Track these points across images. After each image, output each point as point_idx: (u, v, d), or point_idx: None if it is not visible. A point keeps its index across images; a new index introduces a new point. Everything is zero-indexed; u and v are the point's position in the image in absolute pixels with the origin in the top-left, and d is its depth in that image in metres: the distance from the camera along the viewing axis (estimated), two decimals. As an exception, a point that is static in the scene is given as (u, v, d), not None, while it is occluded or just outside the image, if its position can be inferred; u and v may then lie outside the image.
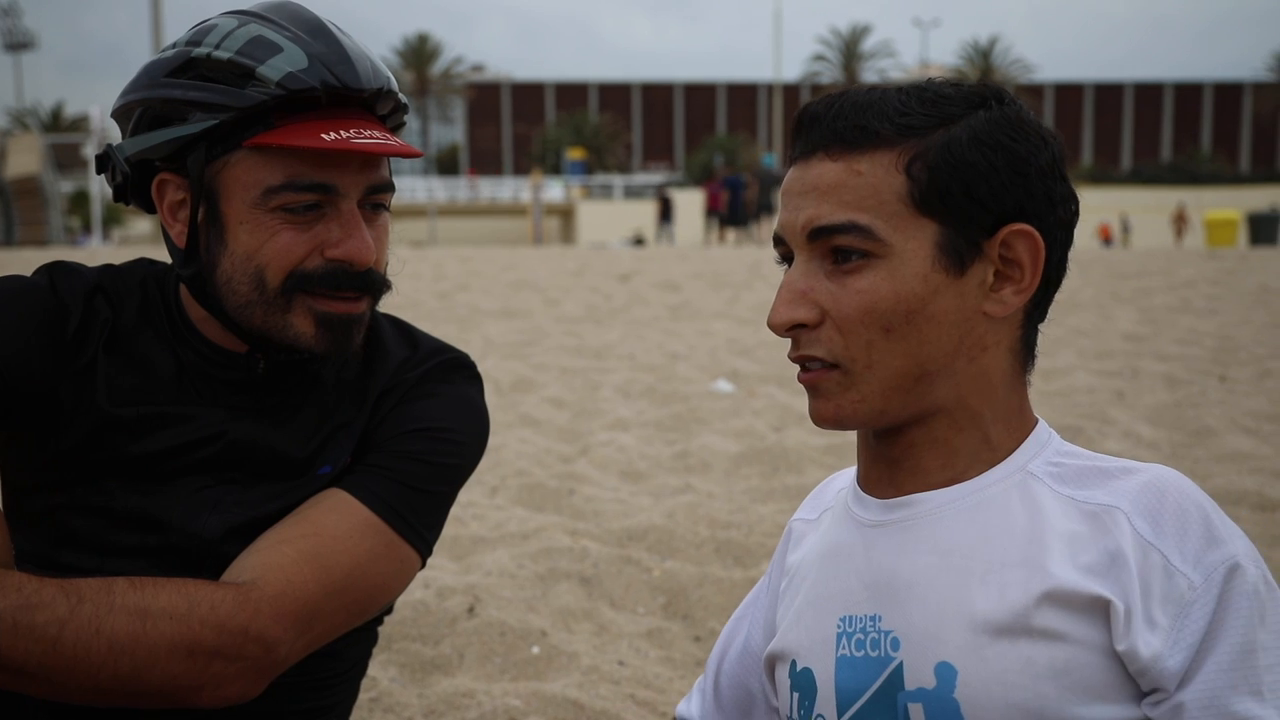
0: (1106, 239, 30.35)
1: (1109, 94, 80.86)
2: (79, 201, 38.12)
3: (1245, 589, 0.98)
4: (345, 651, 1.53)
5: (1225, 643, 0.97)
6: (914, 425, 1.09)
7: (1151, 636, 0.97)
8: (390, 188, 1.42)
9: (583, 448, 4.80)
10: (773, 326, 1.09)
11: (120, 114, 1.40)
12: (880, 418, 1.08)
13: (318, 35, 1.36)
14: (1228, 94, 79.36)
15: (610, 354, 7.68)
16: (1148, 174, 61.69)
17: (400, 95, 1.43)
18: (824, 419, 1.09)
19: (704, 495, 3.96)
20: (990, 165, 1.04)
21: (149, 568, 1.37)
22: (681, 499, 3.83)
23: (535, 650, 2.62)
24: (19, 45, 69.50)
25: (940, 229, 1.04)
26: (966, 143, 1.05)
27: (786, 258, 1.11)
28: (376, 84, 1.37)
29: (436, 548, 3.31)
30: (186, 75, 1.34)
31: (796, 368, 1.11)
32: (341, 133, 1.32)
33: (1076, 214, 1.10)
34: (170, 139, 1.34)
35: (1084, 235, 31.49)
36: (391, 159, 1.42)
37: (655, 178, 55.01)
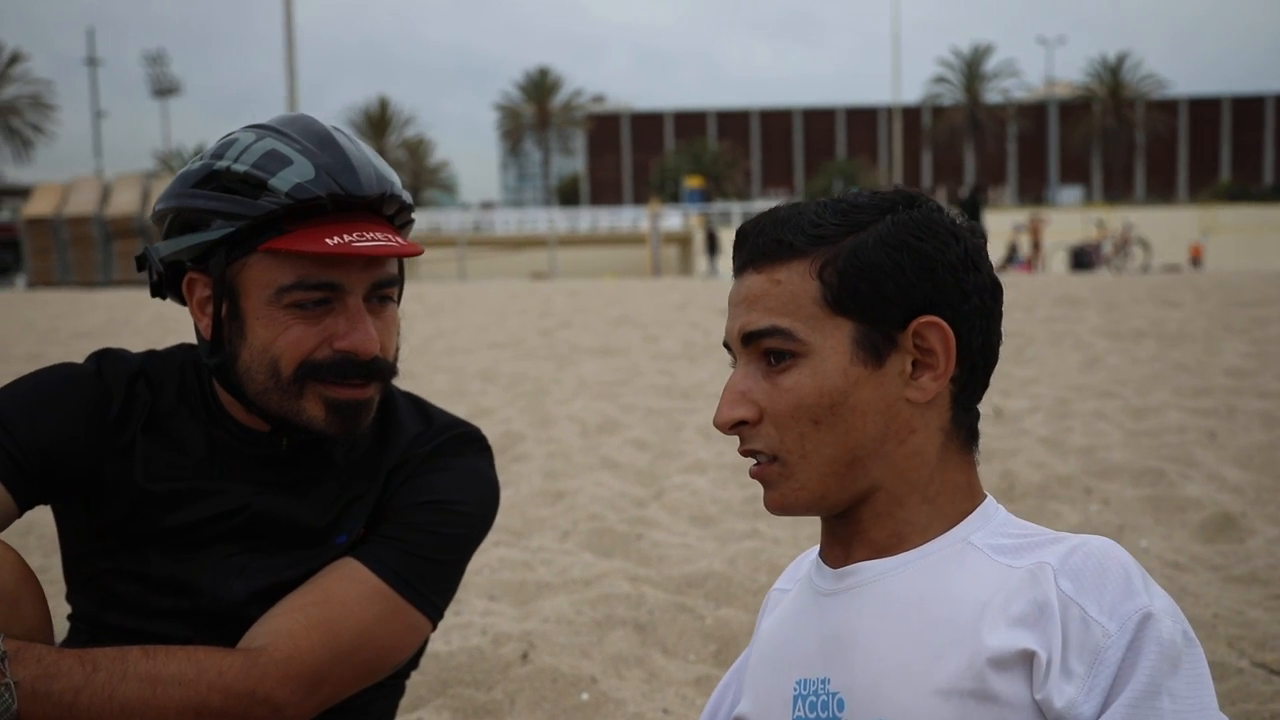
0: (1197, 258, 29.38)
1: (1248, 107, 77.88)
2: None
3: (1157, 636, 1.03)
4: (369, 706, 1.64)
5: (1131, 685, 1.02)
6: (859, 502, 1.18)
7: (1066, 685, 1.03)
8: (395, 282, 1.54)
9: (657, 491, 4.86)
10: (717, 425, 1.19)
11: (157, 219, 1.55)
12: (822, 502, 1.17)
13: (325, 147, 1.49)
14: (1375, 104, 75.92)
15: (699, 393, 7.72)
16: (1289, 190, 59.16)
17: (404, 196, 1.56)
18: (773, 507, 1.20)
19: (769, 541, 4.00)
20: (896, 265, 1.13)
21: (184, 628, 1.50)
22: (745, 544, 3.88)
23: (585, 697, 2.70)
24: (166, 91, 72.75)
25: (855, 326, 1.14)
26: (872, 246, 1.14)
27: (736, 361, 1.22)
28: (379, 190, 1.50)
29: (500, 593, 3.46)
30: (209, 186, 1.49)
31: None
32: (345, 236, 1.45)
33: (996, 300, 1.18)
34: (196, 243, 1.49)
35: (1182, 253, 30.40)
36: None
37: (775, 204, 54.86)
